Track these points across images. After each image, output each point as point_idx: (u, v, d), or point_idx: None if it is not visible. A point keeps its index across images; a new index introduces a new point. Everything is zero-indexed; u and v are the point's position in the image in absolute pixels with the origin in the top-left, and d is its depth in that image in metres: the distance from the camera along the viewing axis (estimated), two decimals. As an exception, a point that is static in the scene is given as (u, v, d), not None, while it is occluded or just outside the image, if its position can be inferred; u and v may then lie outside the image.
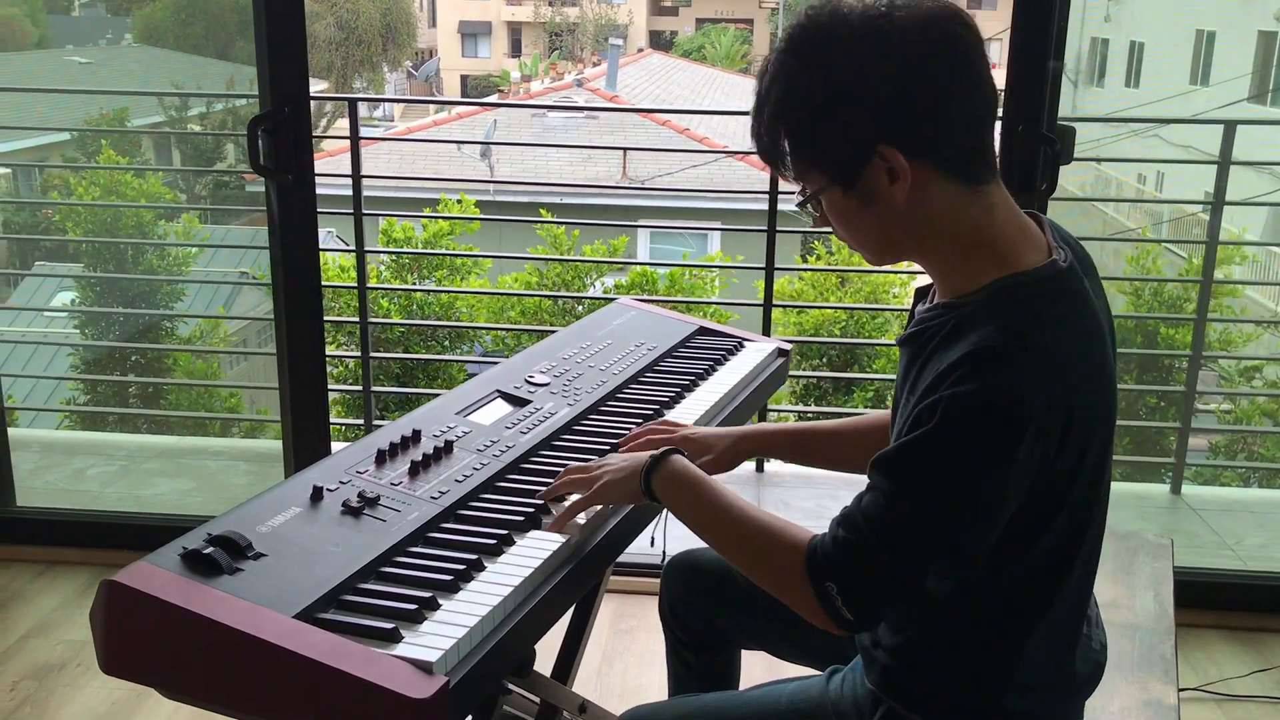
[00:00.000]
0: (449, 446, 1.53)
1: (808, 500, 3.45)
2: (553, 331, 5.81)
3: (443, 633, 1.16)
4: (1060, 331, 1.16)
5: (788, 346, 2.14)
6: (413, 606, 1.18)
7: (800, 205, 1.28)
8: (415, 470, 1.46)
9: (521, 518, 1.39)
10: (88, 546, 2.91)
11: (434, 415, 1.63)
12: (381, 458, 1.47)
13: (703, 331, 2.17)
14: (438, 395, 4.71)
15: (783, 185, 3.40)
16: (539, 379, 1.81)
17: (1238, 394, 4.87)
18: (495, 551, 1.32)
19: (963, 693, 1.30)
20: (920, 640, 1.31)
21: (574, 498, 1.41)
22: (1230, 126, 3.21)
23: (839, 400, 6.14)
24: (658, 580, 1.76)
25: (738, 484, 3.33)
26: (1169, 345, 5.24)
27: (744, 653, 1.79)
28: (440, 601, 1.21)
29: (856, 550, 1.18)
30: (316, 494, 1.36)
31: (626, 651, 2.54)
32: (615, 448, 1.61)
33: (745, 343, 2.13)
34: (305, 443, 2.82)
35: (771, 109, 1.21)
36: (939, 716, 1.30)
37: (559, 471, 1.50)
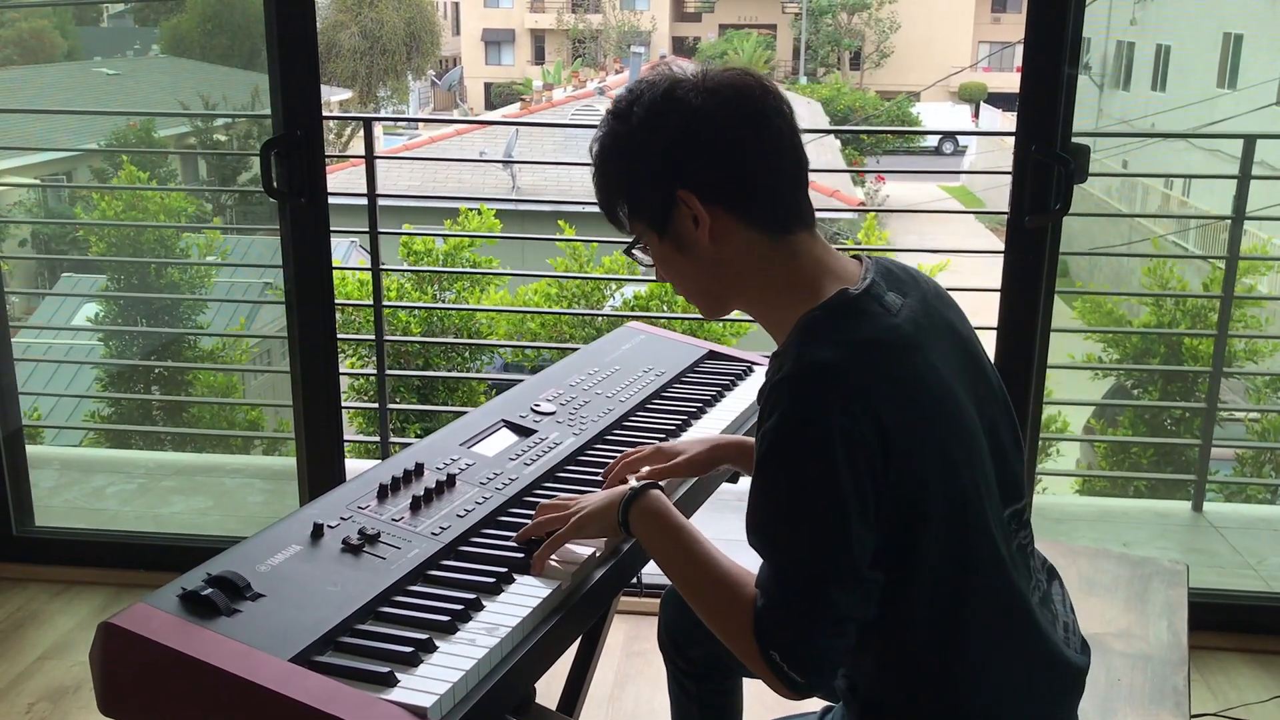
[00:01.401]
0: (451, 480, 1.53)
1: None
2: (574, 349, 5.80)
3: (438, 676, 1.15)
4: (852, 350, 1.21)
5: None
6: (409, 649, 1.18)
7: (627, 251, 1.39)
8: (417, 505, 1.46)
9: (521, 554, 1.39)
10: (105, 566, 2.94)
11: (438, 447, 1.63)
12: (384, 493, 1.47)
13: (712, 355, 2.16)
14: (456, 411, 4.66)
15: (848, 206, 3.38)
16: (545, 407, 1.81)
17: (1264, 410, 4.80)
18: (494, 590, 1.32)
19: (916, 698, 1.29)
20: (874, 674, 1.32)
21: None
22: (1250, 141, 3.17)
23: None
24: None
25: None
26: (1192, 355, 5.18)
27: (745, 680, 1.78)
28: (437, 643, 1.20)
29: (773, 616, 1.21)
30: (317, 531, 1.36)
31: (639, 675, 2.53)
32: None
33: (754, 366, 2.12)
34: (319, 461, 2.83)
35: (596, 166, 1.36)
36: None
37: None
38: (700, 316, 2.05)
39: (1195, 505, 3.46)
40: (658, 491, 1.38)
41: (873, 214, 7.78)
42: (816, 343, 1.22)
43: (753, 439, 1.63)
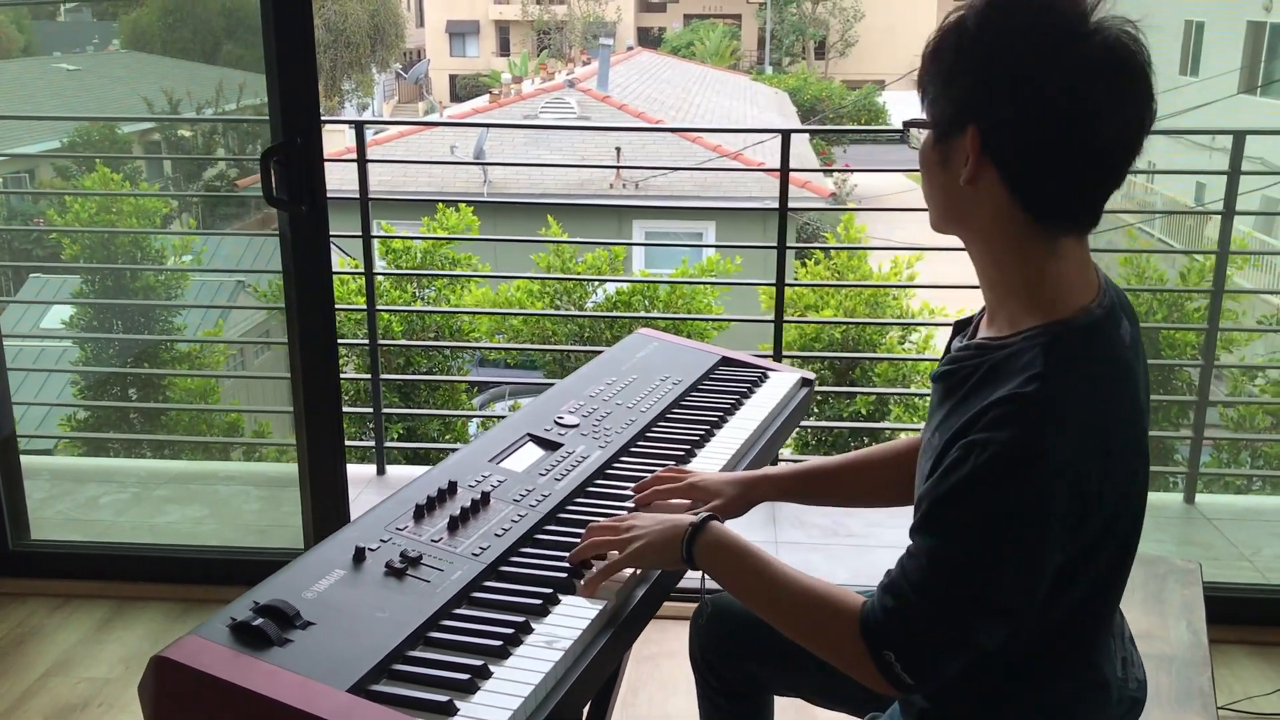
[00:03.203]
0: (485, 498, 1.52)
1: (822, 518, 3.45)
2: (561, 351, 5.72)
3: (498, 704, 1.15)
4: (1092, 383, 1.17)
5: (811, 376, 2.13)
6: (465, 676, 1.17)
7: (905, 125, 1.29)
8: (454, 525, 1.45)
9: (564, 574, 1.38)
10: (104, 579, 2.90)
11: (467, 464, 1.62)
12: (420, 513, 1.46)
13: (725, 362, 2.16)
14: (447, 415, 4.62)
15: (792, 201, 3.39)
16: (568, 419, 1.80)
17: (1251, 401, 4.87)
18: (541, 612, 1.31)
19: None
20: (957, 684, 1.29)
21: (606, 560, 1.39)
22: (1240, 136, 3.21)
23: (840, 405, 6.12)
24: (678, 604, 1.75)
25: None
26: (1169, 344, 5.23)
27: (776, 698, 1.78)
28: (492, 669, 1.20)
29: (907, 618, 1.18)
30: (359, 555, 1.35)
31: (650, 680, 2.54)
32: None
33: (769, 374, 2.12)
34: (321, 468, 2.81)
35: (934, 38, 1.23)
36: None
37: (592, 522, 1.50)
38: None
39: (1187, 497, 3.50)
40: (717, 523, 1.37)
41: (849, 209, 7.81)
42: (1062, 368, 1.15)
43: (788, 469, 1.65)
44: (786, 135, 3.47)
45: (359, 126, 3.35)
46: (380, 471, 3.79)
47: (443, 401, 6.03)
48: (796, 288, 6.36)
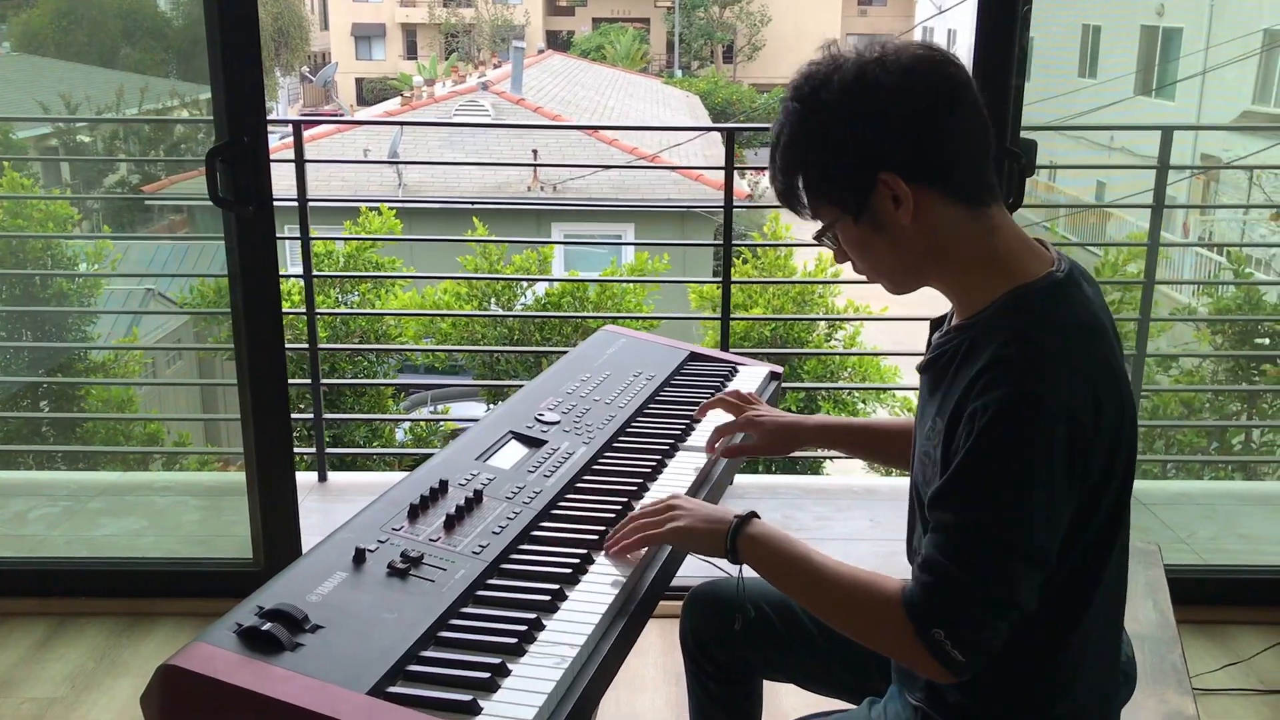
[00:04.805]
0: (478, 496, 1.50)
1: (772, 512, 3.47)
2: (491, 353, 5.65)
3: (521, 701, 1.13)
4: (1066, 333, 1.24)
5: (779, 369, 2.14)
6: (485, 675, 1.16)
7: (818, 237, 1.36)
8: (450, 524, 1.43)
9: (569, 569, 1.37)
10: (41, 596, 2.79)
11: (454, 463, 1.60)
12: (414, 513, 1.44)
13: (694, 358, 2.16)
14: (379, 418, 4.52)
15: (737, 200, 3.41)
16: (549, 417, 1.79)
17: (1193, 390, 5.04)
18: (550, 608, 1.30)
19: (1010, 698, 1.32)
20: None
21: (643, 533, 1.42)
22: (1168, 132, 3.32)
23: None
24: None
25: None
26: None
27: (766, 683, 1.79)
28: (510, 666, 1.18)
29: (948, 590, 1.20)
30: (359, 556, 1.32)
31: (618, 679, 2.51)
32: (643, 482, 1.62)
33: (739, 367, 2.13)
34: (270, 476, 2.74)
35: (782, 153, 1.32)
36: None
37: (591, 516, 1.51)
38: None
39: (1122, 484, 3.60)
40: (759, 519, 1.39)
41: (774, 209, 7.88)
42: (1037, 324, 1.22)
43: (838, 420, 1.76)
44: (730, 134, 3.49)
45: (296, 126, 3.28)
46: (322, 478, 3.71)
47: (369, 407, 5.94)
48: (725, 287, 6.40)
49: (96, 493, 3.56)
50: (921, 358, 1.38)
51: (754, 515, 1.40)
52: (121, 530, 3.31)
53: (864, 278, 1.37)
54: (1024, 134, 2.54)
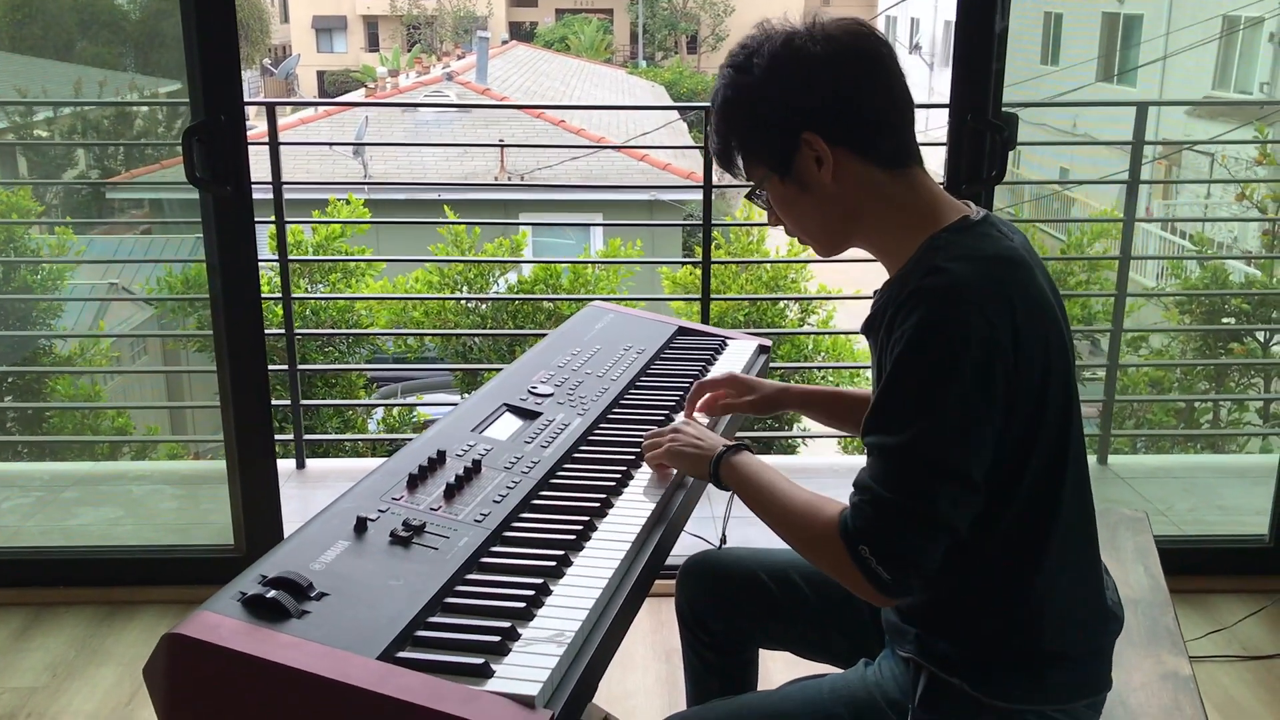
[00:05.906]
0: (477, 466, 1.49)
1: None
2: (464, 335, 5.61)
3: (534, 663, 1.12)
4: (976, 261, 1.28)
5: (768, 343, 2.14)
6: (496, 639, 1.14)
7: (749, 196, 1.45)
8: (450, 493, 1.42)
9: (573, 536, 1.36)
10: (18, 586, 2.75)
11: (451, 434, 1.58)
12: (413, 482, 1.42)
13: (683, 332, 2.16)
14: (357, 404, 4.49)
15: (718, 179, 3.41)
16: (542, 389, 1.78)
17: (1165, 365, 5.09)
18: (557, 574, 1.29)
19: (996, 638, 1.34)
20: (943, 596, 1.35)
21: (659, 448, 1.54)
22: (1143, 109, 3.35)
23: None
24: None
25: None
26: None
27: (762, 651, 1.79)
28: (519, 631, 1.17)
29: (871, 507, 1.25)
30: (360, 525, 1.31)
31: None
32: (639, 452, 1.61)
33: (728, 341, 2.13)
34: (251, 463, 2.71)
35: (718, 114, 1.42)
36: (979, 673, 1.34)
37: (590, 485, 1.51)
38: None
39: (1100, 459, 3.64)
40: (748, 452, 1.46)
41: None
42: (950, 257, 1.28)
43: (818, 388, 1.80)
44: (707, 112, 3.47)
45: (270, 107, 3.23)
46: (300, 465, 3.67)
47: (341, 398, 5.90)
48: (696, 273, 6.41)
49: (70, 483, 3.51)
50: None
51: (745, 447, 1.47)
52: (98, 519, 3.26)
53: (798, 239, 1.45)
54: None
